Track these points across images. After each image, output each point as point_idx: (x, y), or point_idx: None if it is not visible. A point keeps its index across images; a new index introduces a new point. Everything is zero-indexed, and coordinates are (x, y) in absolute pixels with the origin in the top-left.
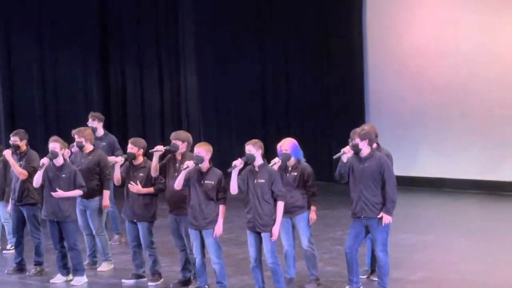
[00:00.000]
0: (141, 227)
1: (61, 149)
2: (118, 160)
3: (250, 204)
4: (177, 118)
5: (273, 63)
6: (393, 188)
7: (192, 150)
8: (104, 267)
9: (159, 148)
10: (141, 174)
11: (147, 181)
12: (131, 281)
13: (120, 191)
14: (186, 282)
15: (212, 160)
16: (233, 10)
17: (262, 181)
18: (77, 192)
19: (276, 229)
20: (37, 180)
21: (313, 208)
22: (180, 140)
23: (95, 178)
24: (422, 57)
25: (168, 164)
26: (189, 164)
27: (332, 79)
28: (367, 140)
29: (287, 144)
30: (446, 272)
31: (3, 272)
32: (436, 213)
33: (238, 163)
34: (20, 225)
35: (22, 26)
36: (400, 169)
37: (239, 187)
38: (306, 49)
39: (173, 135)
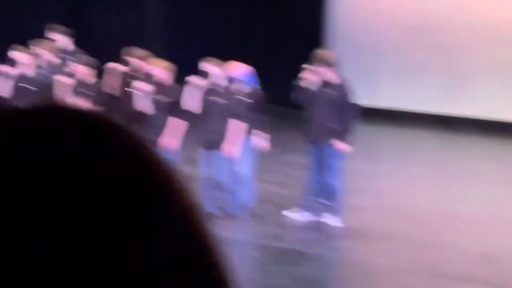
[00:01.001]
0: None
1: None
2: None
3: (207, 122)
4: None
5: None
6: (353, 116)
7: None
8: None
9: (115, 66)
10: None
11: None
12: None
13: None
14: None
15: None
16: None
17: (221, 100)
18: None
19: (232, 147)
20: None
21: (262, 134)
22: (136, 57)
23: None
24: None
25: (124, 81)
26: (142, 85)
27: (293, 8)
28: (329, 67)
29: (233, 69)
30: (401, 200)
31: None
32: (392, 143)
33: (197, 81)
34: None
35: None
36: (358, 99)
37: (199, 105)
38: None
39: (129, 52)
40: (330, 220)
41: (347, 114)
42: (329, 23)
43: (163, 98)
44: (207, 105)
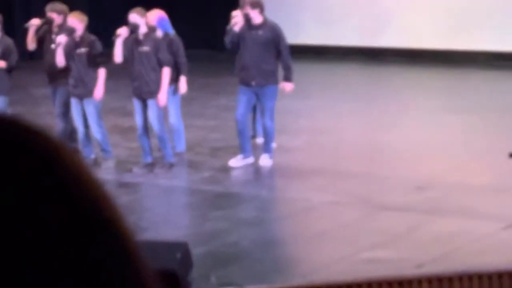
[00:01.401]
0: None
1: None
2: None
3: (136, 72)
4: None
5: None
6: (289, 56)
7: None
8: None
9: (34, 22)
10: None
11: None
12: None
13: None
14: None
15: (87, 28)
16: None
17: (147, 48)
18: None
19: (162, 95)
20: None
21: (183, 79)
22: (55, 12)
23: None
24: None
25: (45, 36)
26: (61, 39)
27: None
28: (258, 9)
29: (151, 16)
30: (331, 136)
31: None
32: (319, 80)
33: (123, 31)
34: None
35: None
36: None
37: (124, 56)
38: None
39: (48, 7)
40: (263, 160)
41: (284, 54)
42: None
43: (85, 51)
44: (134, 55)
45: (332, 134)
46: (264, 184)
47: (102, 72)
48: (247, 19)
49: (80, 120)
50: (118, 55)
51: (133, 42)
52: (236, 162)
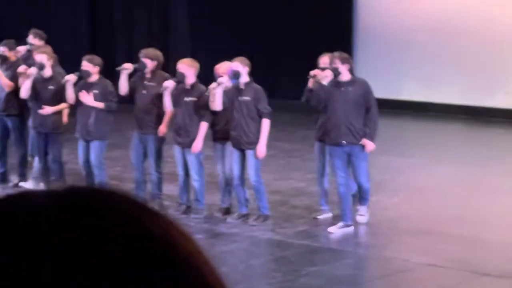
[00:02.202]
0: (93, 146)
1: (48, 60)
2: (70, 78)
3: (235, 121)
4: (164, 37)
5: None
6: (377, 114)
7: (167, 69)
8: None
9: (127, 66)
10: (95, 91)
11: (102, 99)
12: None
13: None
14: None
15: (199, 76)
16: None
17: (248, 98)
18: (64, 106)
19: (261, 147)
20: (24, 90)
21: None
22: (149, 58)
23: None
24: None
25: (137, 82)
26: (168, 84)
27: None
28: (347, 65)
29: (225, 68)
30: (428, 195)
31: None
32: (420, 137)
33: (224, 80)
34: (4, 136)
35: None
36: (387, 92)
37: (224, 103)
38: None
39: (142, 53)
40: (359, 216)
41: (373, 111)
42: (355, 18)
43: (194, 100)
44: (234, 104)
45: (431, 194)
46: (360, 242)
47: (203, 126)
48: (336, 74)
49: (181, 165)
50: (218, 103)
51: (234, 91)
52: (335, 229)
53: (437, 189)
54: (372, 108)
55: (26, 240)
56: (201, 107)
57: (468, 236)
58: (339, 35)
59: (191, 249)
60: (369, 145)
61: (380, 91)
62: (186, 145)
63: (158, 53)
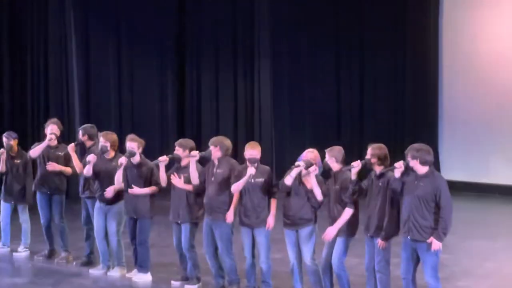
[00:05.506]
0: (184, 228)
1: (138, 148)
2: (162, 160)
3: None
4: (250, 122)
5: (348, 74)
6: (449, 214)
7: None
8: (116, 271)
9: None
10: (186, 175)
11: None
12: (178, 283)
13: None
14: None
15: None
16: (310, 12)
17: (338, 187)
18: (152, 189)
19: (333, 231)
20: (118, 179)
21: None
22: (213, 145)
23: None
24: (497, 62)
25: (207, 169)
26: (251, 171)
27: (406, 85)
28: (418, 159)
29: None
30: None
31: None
32: (506, 221)
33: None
34: (88, 217)
35: (99, 24)
36: (472, 175)
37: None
38: (381, 54)
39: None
40: None
41: (444, 211)
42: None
43: (261, 181)
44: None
45: None
46: None
47: (274, 202)
48: (406, 167)
49: (249, 249)
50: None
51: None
52: None
53: None
54: (444, 207)
55: None
56: (270, 186)
57: None
58: (425, 116)
59: None
60: (434, 244)
61: (465, 174)
62: (256, 225)
63: (221, 139)
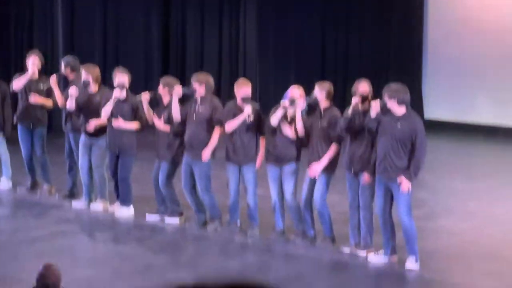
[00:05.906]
0: (163, 166)
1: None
2: (145, 96)
3: (312, 147)
4: (234, 60)
5: (334, 15)
6: (423, 155)
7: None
8: (99, 204)
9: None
10: (165, 114)
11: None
12: (155, 216)
13: None
14: (204, 223)
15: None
16: None
17: (323, 124)
18: (137, 124)
19: (318, 167)
20: (106, 112)
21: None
22: (197, 82)
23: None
24: (483, 1)
25: (189, 107)
26: (248, 111)
27: (392, 25)
28: (395, 99)
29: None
30: (497, 220)
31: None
32: (489, 161)
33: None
34: (70, 150)
35: None
36: (456, 115)
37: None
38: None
39: (193, 77)
40: (409, 264)
41: (418, 152)
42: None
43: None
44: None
45: (501, 219)
46: (428, 267)
47: (263, 142)
48: (383, 108)
49: (235, 186)
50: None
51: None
52: (376, 258)
53: (507, 214)
54: (418, 148)
55: None
56: (258, 124)
57: None
58: (409, 56)
59: None
60: (405, 183)
61: (449, 113)
62: (243, 162)
63: (207, 77)
